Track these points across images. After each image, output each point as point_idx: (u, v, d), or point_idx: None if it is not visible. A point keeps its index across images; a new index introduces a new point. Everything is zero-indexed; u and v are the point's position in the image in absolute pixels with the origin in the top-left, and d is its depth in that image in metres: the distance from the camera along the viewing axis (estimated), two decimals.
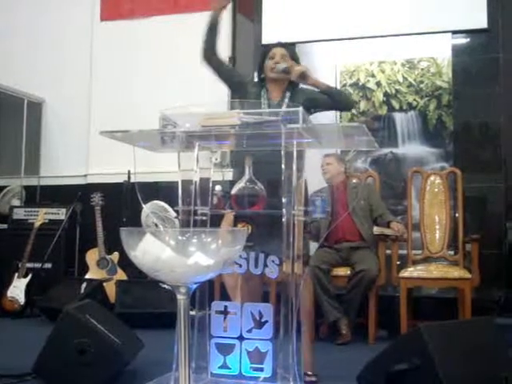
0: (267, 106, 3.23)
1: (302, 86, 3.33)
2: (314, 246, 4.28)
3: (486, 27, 5.32)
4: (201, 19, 6.07)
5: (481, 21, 5.33)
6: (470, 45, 5.46)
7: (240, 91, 3.31)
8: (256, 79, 3.46)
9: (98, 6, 6.53)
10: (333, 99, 3.26)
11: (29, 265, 5.37)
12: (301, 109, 2.38)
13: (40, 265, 5.40)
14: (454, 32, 5.44)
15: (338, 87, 5.45)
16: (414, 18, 5.49)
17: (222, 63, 3.39)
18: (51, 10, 6.63)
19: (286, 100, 3.26)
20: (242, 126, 2.44)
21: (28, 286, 5.28)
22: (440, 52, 5.46)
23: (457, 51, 5.44)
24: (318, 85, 3.26)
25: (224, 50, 6.05)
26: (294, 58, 3.32)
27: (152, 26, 6.26)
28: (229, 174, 5.64)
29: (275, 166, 2.47)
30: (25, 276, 5.31)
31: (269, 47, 3.37)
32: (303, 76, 3.17)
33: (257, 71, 3.43)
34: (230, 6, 6.10)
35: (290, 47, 3.40)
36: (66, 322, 2.97)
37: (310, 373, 2.98)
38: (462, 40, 5.48)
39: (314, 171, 4.56)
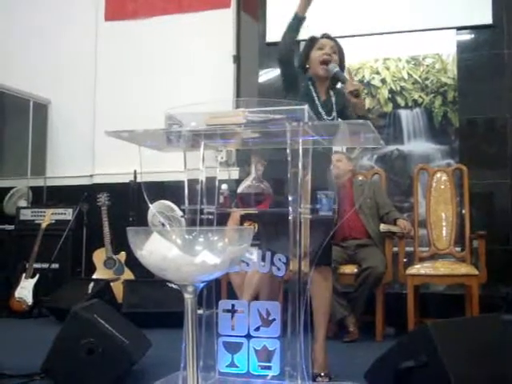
0: (320, 106, 3.16)
1: (339, 87, 3.26)
2: None
3: (491, 23, 5.31)
4: (204, 18, 6.17)
5: (486, 17, 5.31)
6: (474, 41, 5.45)
7: (295, 86, 3.17)
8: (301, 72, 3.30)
9: (102, 7, 6.56)
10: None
11: (36, 265, 5.39)
12: (306, 107, 2.38)
13: (47, 265, 5.42)
14: (459, 28, 5.42)
15: None
16: (419, 15, 5.48)
17: (294, 67, 3.22)
18: (56, 11, 6.66)
19: (334, 101, 3.20)
20: (247, 125, 2.44)
21: (35, 286, 5.29)
22: (445, 48, 5.45)
23: (462, 47, 5.42)
24: (359, 107, 3.10)
25: (228, 49, 6.11)
26: (341, 53, 3.23)
27: (156, 25, 6.28)
28: (235, 173, 5.68)
29: (282, 165, 2.47)
30: (32, 276, 5.32)
31: (315, 37, 3.25)
32: (356, 93, 3.03)
33: (300, 61, 3.28)
34: (234, 5, 6.14)
35: (337, 41, 3.27)
36: (73, 322, 2.98)
37: (322, 374, 2.98)
38: (467, 36, 5.47)
39: None
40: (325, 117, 3.13)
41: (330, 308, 3.27)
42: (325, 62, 3.15)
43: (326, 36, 3.27)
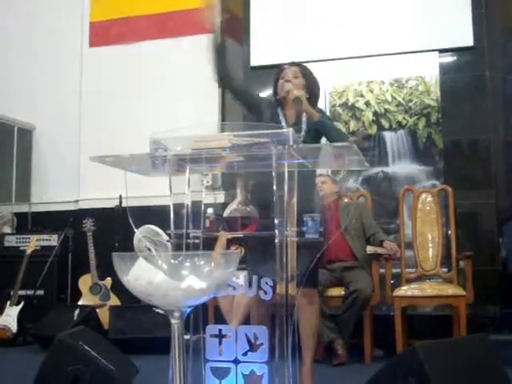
0: (286, 127, 3.21)
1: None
2: None
3: (472, 45, 5.38)
4: (189, 43, 6.19)
5: (467, 39, 5.39)
6: (457, 63, 5.51)
7: (255, 112, 3.32)
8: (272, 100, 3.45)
9: (87, 33, 6.57)
10: (325, 133, 3.24)
11: (21, 292, 5.33)
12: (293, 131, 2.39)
13: (32, 292, 5.37)
14: (441, 51, 5.49)
15: (328, 110, 5.48)
16: (401, 38, 5.55)
17: (241, 88, 3.41)
18: (40, 37, 6.66)
19: (304, 121, 3.25)
20: (232, 149, 2.44)
21: (20, 313, 5.23)
22: (428, 71, 5.50)
23: (444, 69, 5.48)
24: (309, 114, 3.20)
25: (212, 73, 6.12)
26: (307, 76, 3.34)
27: (141, 50, 6.30)
28: (221, 197, 5.68)
29: (268, 188, 2.46)
30: (17, 304, 5.27)
31: (280, 68, 3.39)
32: (297, 101, 3.15)
33: (272, 93, 3.43)
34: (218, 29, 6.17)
35: (303, 66, 3.40)
36: (59, 349, 2.95)
37: None
38: (449, 58, 5.53)
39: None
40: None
41: (317, 331, 3.26)
42: (282, 88, 3.27)
43: (291, 64, 3.40)
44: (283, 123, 3.24)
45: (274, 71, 3.45)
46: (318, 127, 3.22)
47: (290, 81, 3.26)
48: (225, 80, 3.31)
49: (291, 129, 2.40)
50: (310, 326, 3.13)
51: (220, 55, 3.31)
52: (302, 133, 3.21)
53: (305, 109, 3.18)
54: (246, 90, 3.38)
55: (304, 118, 3.27)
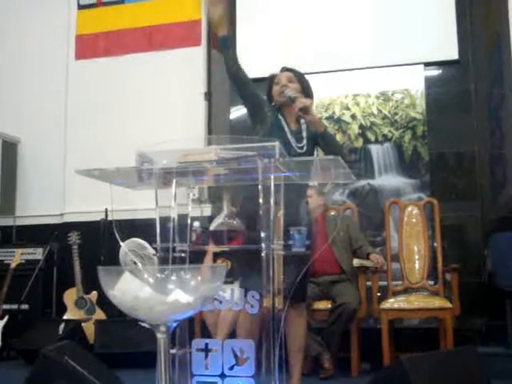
0: (289, 134, 3.19)
1: None
2: None
3: (457, 58, 5.43)
4: (175, 56, 6.19)
5: (452, 52, 5.43)
6: (442, 76, 5.56)
7: (259, 113, 3.24)
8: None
9: (72, 46, 6.55)
10: (324, 145, 3.20)
11: (5, 306, 5.28)
12: (277, 143, 2.39)
13: (17, 306, 5.32)
14: (427, 64, 5.54)
15: None
16: (387, 51, 5.59)
17: (248, 80, 3.27)
18: (26, 49, 6.64)
19: (304, 129, 3.23)
20: (219, 162, 2.44)
21: (4, 328, 5.18)
22: (413, 84, 5.54)
23: (430, 83, 5.53)
24: (316, 124, 3.15)
25: (199, 86, 6.14)
26: (302, 81, 3.30)
27: (127, 63, 6.29)
28: (207, 210, 5.66)
29: (254, 201, 2.46)
30: (1, 318, 5.21)
31: (273, 75, 3.35)
32: (305, 110, 3.06)
33: (268, 100, 3.37)
34: (204, 42, 6.18)
35: (295, 70, 3.35)
36: (44, 364, 2.91)
37: None
38: (435, 72, 5.57)
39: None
40: (294, 144, 3.16)
41: (305, 345, 3.25)
42: (280, 94, 3.23)
43: (283, 69, 3.35)
44: (286, 129, 3.21)
45: (268, 79, 3.40)
46: (317, 137, 3.19)
47: (287, 85, 3.22)
48: (233, 68, 3.21)
49: (277, 142, 2.40)
50: (299, 340, 3.12)
51: (226, 45, 3.23)
52: (304, 141, 3.20)
53: (312, 118, 3.12)
54: (252, 83, 3.27)
55: (304, 126, 3.24)
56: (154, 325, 1.88)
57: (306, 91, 3.29)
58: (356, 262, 4.52)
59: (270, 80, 3.34)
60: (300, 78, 3.30)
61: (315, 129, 3.15)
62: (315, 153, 3.28)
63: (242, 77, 3.23)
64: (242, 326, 3.18)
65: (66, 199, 6.30)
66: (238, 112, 5.85)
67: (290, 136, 3.18)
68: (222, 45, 3.22)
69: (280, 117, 3.24)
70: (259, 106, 3.25)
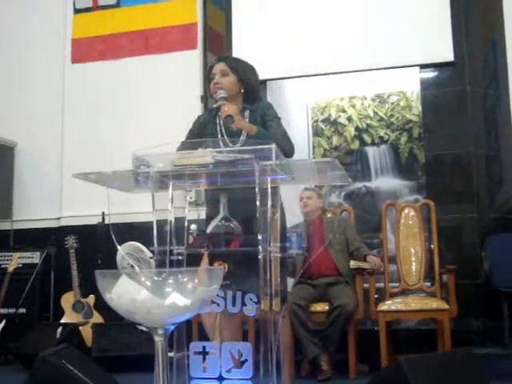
0: (225, 140, 3.07)
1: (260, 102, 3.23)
2: (290, 281, 4.26)
3: (453, 60, 5.43)
4: (172, 60, 6.20)
5: (447, 54, 5.44)
6: (437, 78, 5.57)
7: (201, 135, 3.14)
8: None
9: (68, 49, 6.55)
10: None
11: (2, 310, 5.27)
12: (274, 146, 2.39)
13: (14, 310, 5.31)
14: (422, 66, 5.54)
15: (310, 125, 5.52)
16: (382, 53, 5.59)
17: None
18: (22, 53, 6.63)
19: (247, 121, 3.09)
20: (215, 165, 2.44)
21: (2, 332, 5.17)
22: (409, 86, 5.55)
23: (425, 85, 5.53)
24: (245, 130, 3.03)
25: (195, 89, 6.14)
26: (237, 70, 3.14)
27: (123, 67, 6.29)
28: (204, 213, 5.65)
29: (251, 203, 2.46)
30: None
31: (211, 66, 3.20)
32: (230, 119, 2.93)
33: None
34: (200, 46, 6.19)
35: (232, 58, 3.23)
36: (41, 368, 2.91)
37: None
38: (430, 74, 5.58)
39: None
40: (227, 139, 3.06)
41: (290, 344, 3.23)
42: (215, 93, 3.11)
43: (218, 59, 3.22)
44: (218, 132, 3.12)
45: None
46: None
47: (219, 83, 3.08)
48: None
49: (274, 145, 2.40)
50: (285, 340, 3.11)
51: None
52: (238, 144, 3.05)
53: (239, 125, 3.00)
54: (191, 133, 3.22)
55: (247, 119, 3.11)
56: (152, 328, 1.88)
57: (245, 80, 3.15)
58: (353, 263, 4.53)
59: (208, 73, 3.20)
60: (235, 67, 3.14)
61: (249, 133, 3.03)
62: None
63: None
64: (223, 328, 3.17)
65: (63, 203, 6.29)
66: None
67: (224, 133, 3.11)
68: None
69: (217, 120, 3.15)
70: (199, 134, 3.18)
